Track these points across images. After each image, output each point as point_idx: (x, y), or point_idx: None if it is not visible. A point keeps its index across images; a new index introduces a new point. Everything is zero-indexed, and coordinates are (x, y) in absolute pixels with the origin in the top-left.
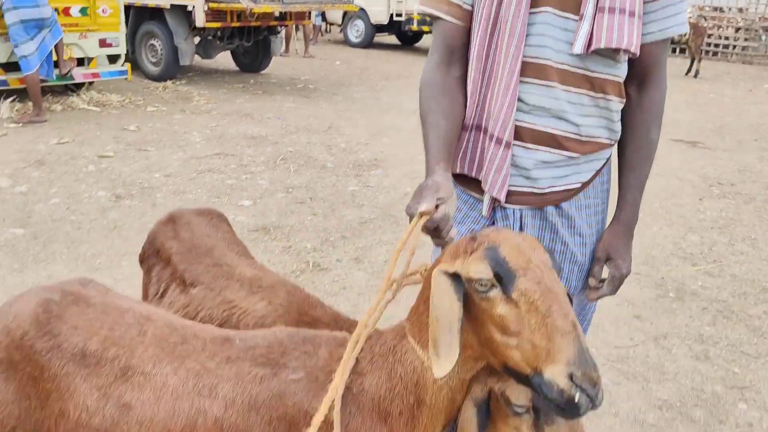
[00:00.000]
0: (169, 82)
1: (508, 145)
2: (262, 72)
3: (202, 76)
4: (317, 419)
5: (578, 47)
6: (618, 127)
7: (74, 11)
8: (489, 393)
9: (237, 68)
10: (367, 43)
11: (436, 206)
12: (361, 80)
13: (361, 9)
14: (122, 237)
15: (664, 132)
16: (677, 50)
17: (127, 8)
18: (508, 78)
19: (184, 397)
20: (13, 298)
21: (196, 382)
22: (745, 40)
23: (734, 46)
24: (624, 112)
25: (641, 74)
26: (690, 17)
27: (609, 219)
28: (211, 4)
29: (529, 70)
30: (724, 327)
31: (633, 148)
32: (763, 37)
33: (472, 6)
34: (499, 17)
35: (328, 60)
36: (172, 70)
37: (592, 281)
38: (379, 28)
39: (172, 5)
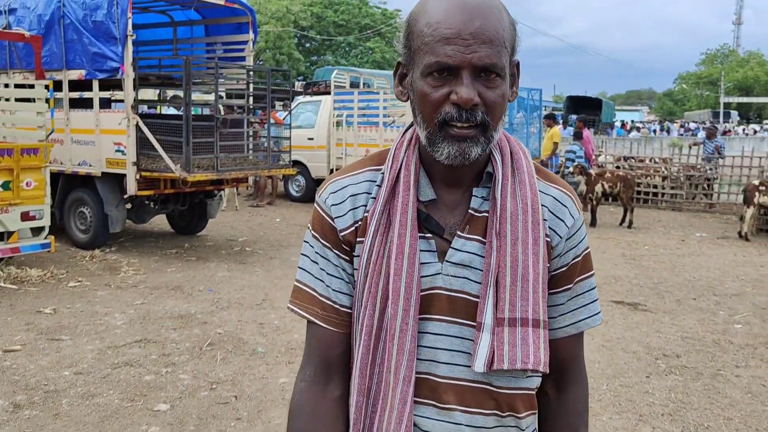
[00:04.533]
0: (97, 251)
1: None
2: (199, 234)
3: (134, 241)
4: None
5: (479, 365)
6: None
7: None
8: None
9: (172, 230)
10: (309, 198)
11: None
12: (300, 239)
13: (302, 164)
14: None
15: (606, 293)
16: (609, 198)
17: (57, 175)
18: (400, 406)
19: None
20: None
21: None
22: (672, 188)
23: (662, 194)
24: (542, 416)
25: (558, 370)
26: (617, 167)
27: None
28: (144, 173)
29: (421, 388)
30: None
31: None
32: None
33: (351, 308)
34: (382, 330)
35: (269, 216)
36: (102, 237)
37: None
38: (320, 183)
39: (103, 173)
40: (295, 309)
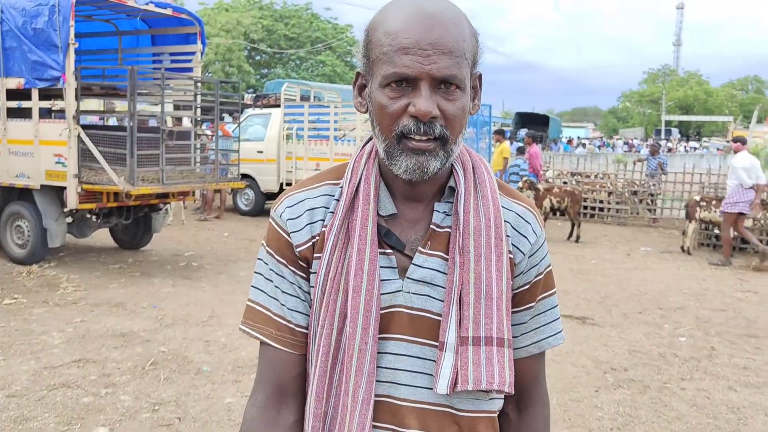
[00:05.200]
0: (35, 266)
1: None
2: (143, 249)
3: (75, 256)
4: None
5: (442, 387)
6: None
7: None
8: None
9: (115, 244)
10: (258, 212)
11: None
12: (249, 254)
13: (251, 177)
14: None
15: None
16: (557, 213)
17: None
18: (358, 431)
19: None
20: None
21: None
22: (617, 203)
23: (608, 209)
24: None
25: (519, 391)
26: (564, 183)
27: None
28: (85, 185)
29: (381, 412)
30: None
31: None
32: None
33: (307, 328)
34: (340, 350)
35: (217, 231)
36: (40, 252)
37: None
38: (269, 196)
39: (42, 185)
40: (248, 330)
